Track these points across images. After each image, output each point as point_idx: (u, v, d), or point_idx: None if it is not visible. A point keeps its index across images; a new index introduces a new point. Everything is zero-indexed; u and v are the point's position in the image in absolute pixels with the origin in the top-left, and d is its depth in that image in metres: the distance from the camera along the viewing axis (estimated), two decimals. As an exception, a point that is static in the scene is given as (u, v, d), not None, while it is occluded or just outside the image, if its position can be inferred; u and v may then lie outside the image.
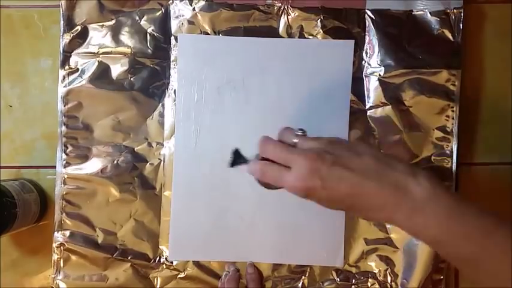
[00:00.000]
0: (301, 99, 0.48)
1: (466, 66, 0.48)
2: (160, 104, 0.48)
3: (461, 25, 0.47)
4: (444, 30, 0.47)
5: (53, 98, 0.49)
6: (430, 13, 0.47)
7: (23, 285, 0.49)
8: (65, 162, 0.48)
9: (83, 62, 0.48)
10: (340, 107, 0.47)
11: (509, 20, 0.49)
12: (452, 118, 0.47)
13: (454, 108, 0.47)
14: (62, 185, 0.47)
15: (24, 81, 0.49)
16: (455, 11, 0.47)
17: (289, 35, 0.48)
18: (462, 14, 0.47)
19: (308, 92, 0.47)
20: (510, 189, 0.49)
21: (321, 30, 0.47)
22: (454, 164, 0.47)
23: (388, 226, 0.47)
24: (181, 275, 0.48)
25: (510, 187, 0.49)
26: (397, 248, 0.47)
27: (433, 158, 0.47)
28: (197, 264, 0.48)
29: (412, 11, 0.47)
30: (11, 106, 0.49)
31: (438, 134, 0.47)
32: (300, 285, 0.47)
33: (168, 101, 0.48)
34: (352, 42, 0.47)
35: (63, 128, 0.48)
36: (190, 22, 0.48)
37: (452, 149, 0.47)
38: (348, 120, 0.47)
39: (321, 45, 0.47)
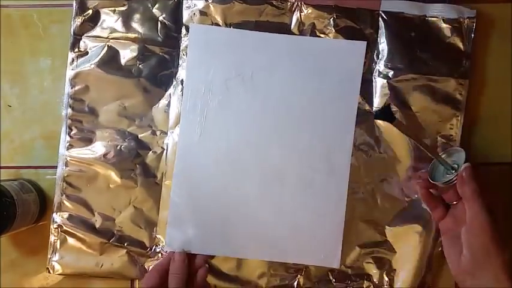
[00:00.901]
0: (309, 97, 0.47)
1: (471, 71, 0.47)
2: (167, 93, 0.48)
3: (472, 35, 0.47)
4: (455, 39, 0.47)
5: (52, 98, 0.49)
6: (443, 20, 0.47)
7: (22, 285, 0.48)
8: (68, 144, 0.47)
9: (93, 45, 0.48)
10: (347, 107, 0.47)
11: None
12: (457, 127, 0.47)
13: (459, 117, 0.47)
14: (64, 167, 0.47)
15: (23, 81, 0.49)
16: (467, 20, 0.47)
17: (301, 32, 0.48)
18: (474, 24, 0.47)
19: (316, 91, 0.47)
20: (510, 189, 0.49)
21: (333, 29, 0.47)
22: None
23: (385, 229, 0.47)
24: (177, 265, 0.48)
25: (510, 187, 0.49)
26: (394, 251, 0.47)
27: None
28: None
29: (426, 16, 0.47)
30: (10, 106, 0.49)
31: (442, 141, 0.47)
32: (295, 283, 0.47)
33: (175, 90, 0.48)
34: (364, 43, 0.47)
35: (69, 110, 0.47)
36: (202, 13, 0.48)
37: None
38: (354, 122, 0.47)
39: (332, 45, 0.47)
